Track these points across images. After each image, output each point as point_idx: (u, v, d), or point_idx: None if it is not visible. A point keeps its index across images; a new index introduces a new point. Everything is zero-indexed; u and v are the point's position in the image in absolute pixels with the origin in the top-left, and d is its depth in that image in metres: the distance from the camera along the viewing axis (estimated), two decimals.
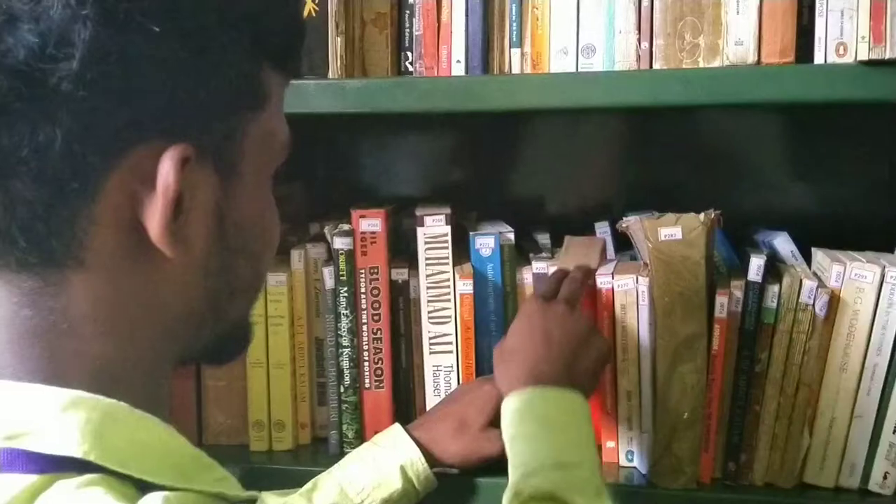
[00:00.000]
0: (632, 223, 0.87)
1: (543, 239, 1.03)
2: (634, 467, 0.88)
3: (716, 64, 0.82)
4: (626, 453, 0.89)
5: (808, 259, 0.90)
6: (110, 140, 0.45)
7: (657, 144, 1.11)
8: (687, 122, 1.09)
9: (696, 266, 0.82)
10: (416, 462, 0.83)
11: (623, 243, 0.97)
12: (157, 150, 0.46)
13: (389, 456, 0.83)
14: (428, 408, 0.93)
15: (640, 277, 0.86)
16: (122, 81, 0.44)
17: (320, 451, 0.95)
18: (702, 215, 0.84)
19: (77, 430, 0.44)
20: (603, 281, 0.89)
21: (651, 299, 0.84)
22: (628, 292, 0.87)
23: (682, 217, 0.84)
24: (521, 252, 1.00)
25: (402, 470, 0.82)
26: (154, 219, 0.46)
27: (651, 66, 0.83)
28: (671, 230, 0.83)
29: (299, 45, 0.56)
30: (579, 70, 0.85)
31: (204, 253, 0.50)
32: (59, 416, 0.45)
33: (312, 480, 0.82)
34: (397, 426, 0.86)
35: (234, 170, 0.50)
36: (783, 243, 0.93)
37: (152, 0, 0.45)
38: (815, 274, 0.85)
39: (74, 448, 0.44)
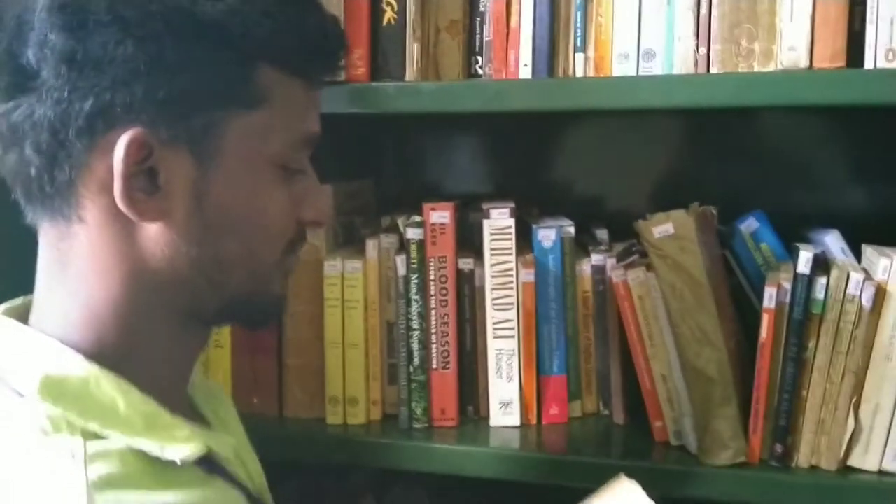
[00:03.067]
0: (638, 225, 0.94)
1: (602, 234, 1.09)
2: (682, 446, 0.94)
3: (770, 68, 0.87)
4: (674, 433, 0.94)
5: (858, 257, 0.94)
6: (85, 125, 0.56)
7: (713, 146, 1.16)
8: (742, 124, 1.14)
9: (692, 257, 0.89)
10: None
11: None
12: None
13: None
14: (491, 388, 1.00)
15: (648, 270, 0.93)
16: (89, 80, 0.55)
17: (390, 427, 1.01)
18: (689, 209, 0.90)
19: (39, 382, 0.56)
20: (617, 275, 0.95)
21: (662, 292, 0.90)
22: (642, 283, 0.93)
23: (672, 213, 0.90)
24: (581, 245, 1.06)
25: None
26: (116, 190, 0.56)
27: (708, 71, 0.88)
28: (663, 227, 0.89)
29: (314, 50, 0.62)
30: (640, 74, 0.90)
31: (184, 225, 0.59)
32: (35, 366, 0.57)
33: None
34: None
35: (213, 157, 0.59)
36: (834, 241, 0.97)
37: (116, 6, 0.55)
38: (863, 269, 0.90)
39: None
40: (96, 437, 0.55)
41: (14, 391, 0.57)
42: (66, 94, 0.55)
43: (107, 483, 0.54)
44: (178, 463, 0.57)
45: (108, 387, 0.57)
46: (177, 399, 0.63)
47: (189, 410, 0.67)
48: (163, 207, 0.58)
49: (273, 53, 0.60)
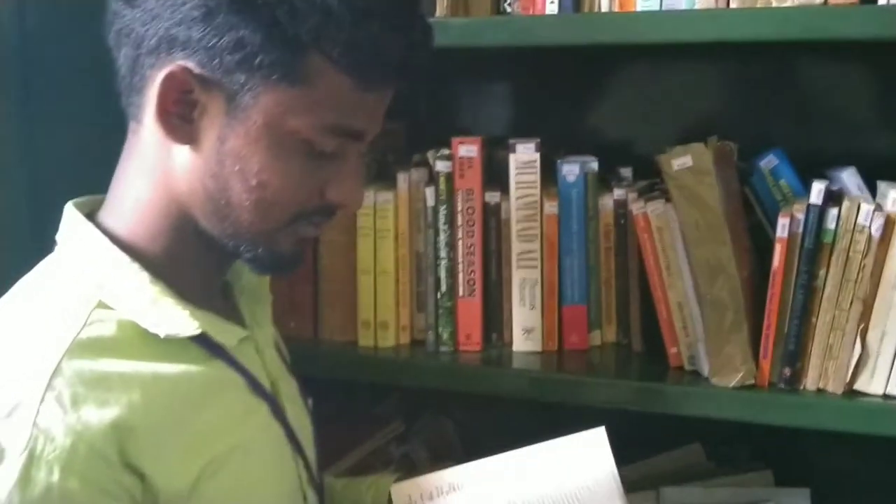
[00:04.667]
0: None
1: (626, 172, 1.13)
2: (696, 370, 0.98)
3: (787, 4, 0.89)
4: (688, 358, 0.99)
5: (875, 194, 0.96)
6: (154, 47, 0.67)
7: (736, 85, 1.18)
8: (765, 63, 1.16)
9: (709, 189, 0.92)
10: None
11: None
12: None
13: None
14: (514, 315, 1.05)
15: (667, 202, 0.97)
16: (165, 13, 0.65)
17: (418, 350, 1.07)
18: (708, 143, 0.94)
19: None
20: (637, 207, 0.99)
21: (679, 223, 0.94)
22: (660, 215, 0.97)
23: (690, 146, 0.94)
24: (605, 182, 1.10)
25: None
26: (156, 107, 0.67)
27: (728, 6, 0.91)
28: (682, 160, 0.93)
29: (371, 57, 0.67)
30: (663, 9, 0.93)
31: (204, 158, 0.68)
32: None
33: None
34: None
35: (243, 113, 0.67)
36: (850, 176, 0.99)
37: None
38: (877, 203, 0.92)
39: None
40: (108, 308, 0.67)
41: (65, 267, 0.70)
42: (150, 18, 0.66)
43: (89, 347, 0.64)
44: (162, 336, 0.67)
45: (129, 270, 0.69)
46: (200, 296, 0.72)
47: (222, 308, 0.76)
48: (190, 136, 0.68)
49: (323, 45, 0.66)
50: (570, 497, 0.84)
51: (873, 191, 0.97)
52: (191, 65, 0.65)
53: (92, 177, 0.75)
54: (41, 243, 0.74)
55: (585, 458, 0.85)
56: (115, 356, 0.65)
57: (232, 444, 0.70)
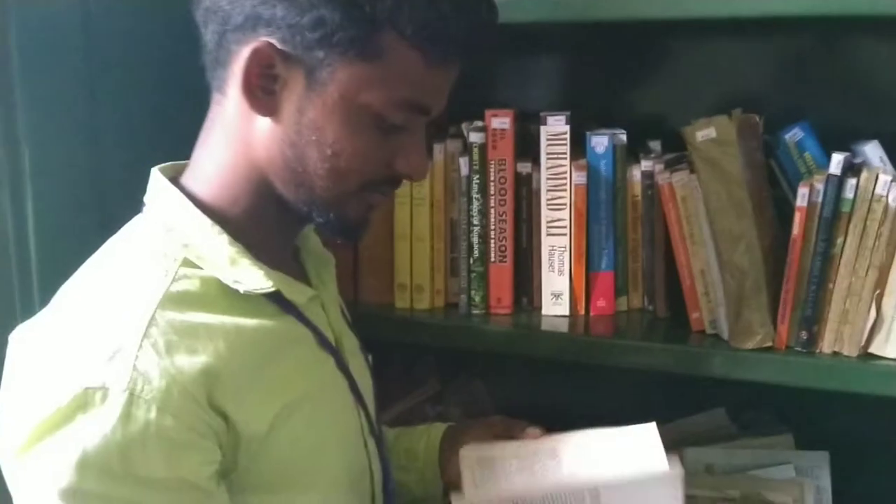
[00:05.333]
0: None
1: (655, 145, 1.17)
2: (716, 334, 1.02)
3: None
4: (709, 323, 1.03)
5: None
6: (240, 24, 0.72)
7: (766, 59, 1.20)
8: (797, 39, 1.18)
9: (732, 159, 0.96)
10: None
11: None
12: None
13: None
14: (543, 281, 1.10)
15: (692, 173, 1.01)
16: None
17: (452, 312, 1.13)
18: (732, 116, 0.98)
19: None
20: (663, 178, 1.03)
21: (702, 192, 0.98)
22: (685, 185, 1.01)
23: (714, 119, 0.98)
24: (634, 155, 1.14)
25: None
26: (241, 81, 0.73)
27: None
28: (706, 131, 0.97)
29: (440, 32, 0.72)
30: None
31: (284, 128, 0.74)
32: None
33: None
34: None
35: (321, 86, 0.72)
36: (873, 149, 1.02)
37: None
38: (894, 173, 0.95)
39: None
40: (193, 266, 0.74)
41: (152, 227, 0.77)
42: (225, 10, 0.73)
43: (178, 300, 0.71)
44: (241, 292, 0.74)
45: (211, 232, 0.75)
46: (274, 258, 0.79)
47: (293, 269, 0.83)
48: (272, 108, 0.74)
49: (397, 22, 0.71)
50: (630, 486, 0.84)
51: None
52: (274, 41, 0.71)
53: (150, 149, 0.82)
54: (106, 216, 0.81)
55: (640, 452, 0.86)
56: (200, 309, 0.72)
57: (303, 392, 0.77)
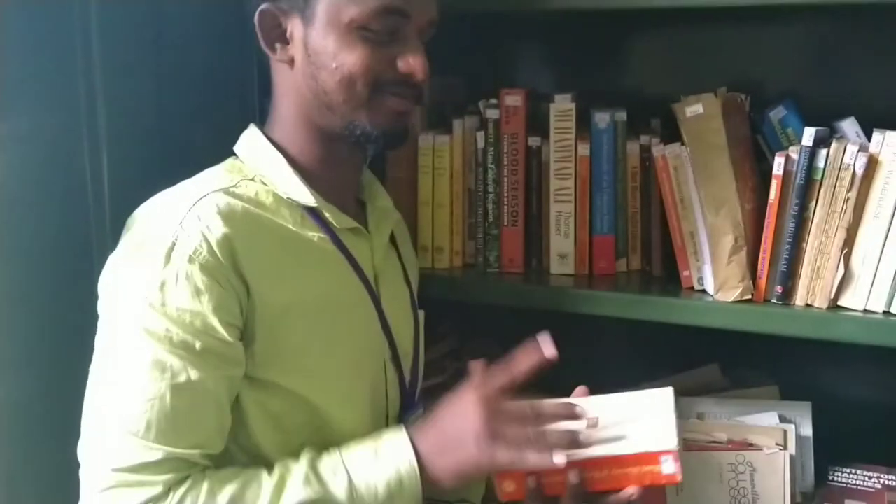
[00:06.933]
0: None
1: (655, 123, 1.28)
2: (704, 290, 1.14)
3: None
4: (697, 279, 1.15)
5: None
6: (249, 4, 0.94)
7: (759, 43, 1.31)
8: (789, 23, 1.29)
9: (717, 133, 1.09)
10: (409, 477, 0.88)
11: None
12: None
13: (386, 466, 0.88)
14: (551, 243, 1.23)
15: (682, 146, 1.13)
16: None
17: (469, 271, 1.26)
18: (717, 94, 1.10)
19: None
20: (658, 150, 1.16)
21: (691, 162, 1.10)
22: (677, 156, 1.14)
23: (702, 96, 1.10)
24: (635, 131, 1.25)
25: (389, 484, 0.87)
26: (261, 40, 0.95)
27: None
28: (694, 108, 1.09)
29: None
30: None
31: (302, 65, 0.93)
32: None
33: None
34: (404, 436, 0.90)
35: (313, 19, 0.91)
36: (849, 125, 1.13)
37: None
38: (860, 144, 1.05)
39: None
40: (260, 183, 0.95)
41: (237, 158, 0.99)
42: None
43: (232, 193, 0.91)
44: (284, 197, 0.94)
45: (277, 161, 0.96)
46: (335, 196, 0.98)
47: (354, 214, 1.01)
48: (290, 54, 0.94)
49: None
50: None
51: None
52: (267, 5, 0.92)
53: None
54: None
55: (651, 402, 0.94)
56: (247, 203, 0.91)
57: (322, 296, 0.93)
